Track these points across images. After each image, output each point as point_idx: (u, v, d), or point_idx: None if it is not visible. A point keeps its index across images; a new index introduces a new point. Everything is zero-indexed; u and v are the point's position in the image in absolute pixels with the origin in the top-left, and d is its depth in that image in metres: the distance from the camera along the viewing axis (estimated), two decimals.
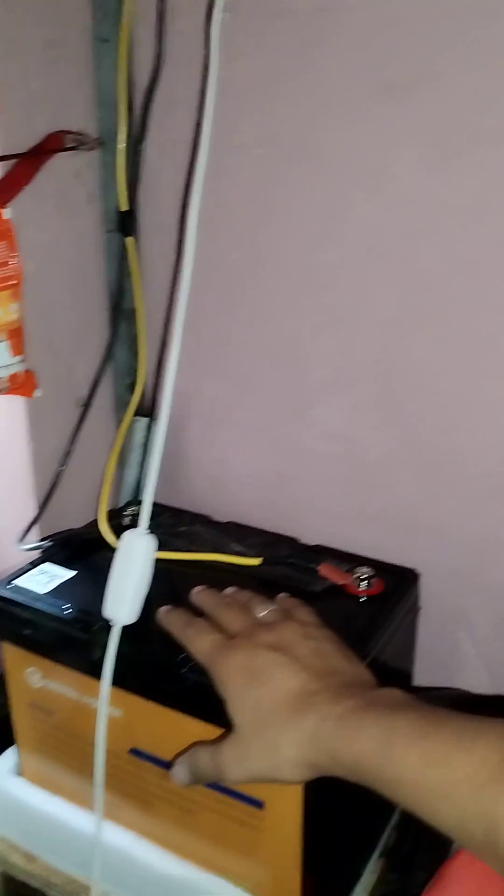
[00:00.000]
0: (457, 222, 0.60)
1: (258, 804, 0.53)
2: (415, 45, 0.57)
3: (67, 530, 0.70)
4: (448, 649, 0.73)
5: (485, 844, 0.34)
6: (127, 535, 0.55)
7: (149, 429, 0.77)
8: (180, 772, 0.51)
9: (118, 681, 0.55)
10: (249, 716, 0.46)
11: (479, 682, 0.73)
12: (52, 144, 0.64)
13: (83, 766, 0.59)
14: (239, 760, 0.47)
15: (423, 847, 0.58)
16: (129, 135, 0.69)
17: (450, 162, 0.59)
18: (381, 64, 0.59)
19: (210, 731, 0.52)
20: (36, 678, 0.61)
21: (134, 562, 0.54)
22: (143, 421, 0.77)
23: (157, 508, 0.74)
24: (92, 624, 0.57)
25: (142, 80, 0.68)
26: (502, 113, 0.56)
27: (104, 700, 0.53)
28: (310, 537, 0.73)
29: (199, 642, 0.52)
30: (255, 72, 0.63)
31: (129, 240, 0.70)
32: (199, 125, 0.64)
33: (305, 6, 0.60)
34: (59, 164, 0.66)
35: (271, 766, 0.45)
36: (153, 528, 0.68)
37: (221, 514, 0.76)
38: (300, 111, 0.63)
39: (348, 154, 0.62)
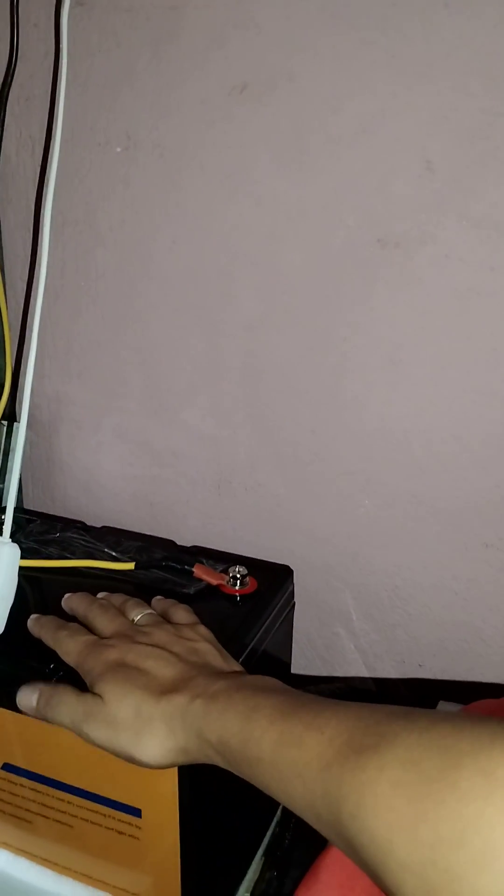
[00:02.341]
0: (313, 223, 0.61)
1: (136, 812, 0.53)
2: (268, 47, 0.57)
3: None
4: (326, 644, 0.74)
5: (329, 823, 0.35)
6: None
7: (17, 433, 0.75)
8: (28, 695, 0.48)
9: None
10: (121, 697, 0.45)
11: (357, 674, 0.74)
12: None
13: None
14: (106, 725, 0.45)
15: (301, 843, 0.59)
16: None
17: (304, 163, 0.59)
18: (236, 64, 0.59)
19: (83, 742, 0.50)
20: None
21: None
22: (10, 425, 0.75)
23: (29, 516, 0.72)
24: None
25: None
26: (353, 115, 0.57)
27: None
28: (187, 538, 0.73)
29: (70, 644, 0.50)
30: (111, 69, 0.62)
31: None
32: (53, 120, 0.63)
33: (157, 3, 0.59)
34: None
35: (134, 743, 0.43)
36: (24, 536, 0.66)
37: (96, 519, 0.75)
38: (157, 110, 0.62)
39: (206, 154, 0.62)
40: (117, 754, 0.45)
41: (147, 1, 0.59)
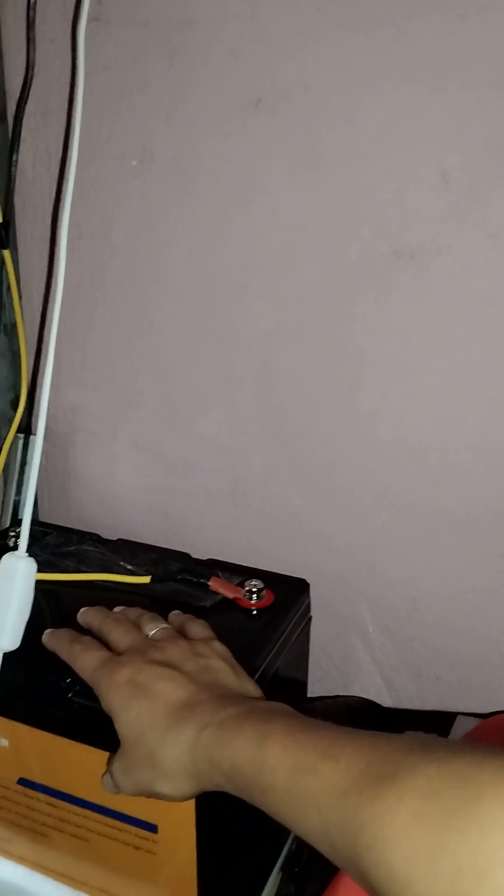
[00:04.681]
0: (328, 234, 0.61)
1: (152, 828, 0.52)
2: (283, 59, 0.58)
3: None
4: (343, 656, 0.74)
5: (345, 854, 0.34)
6: (6, 557, 0.53)
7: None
8: (105, 780, 0.50)
9: (2, 709, 0.54)
10: (132, 729, 0.45)
11: (374, 687, 0.74)
12: None
13: None
14: (125, 772, 0.46)
15: (319, 858, 0.58)
16: (2, 143, 0.67)
17: (319, 175, 0.60)
18: (251, 77, 0.59)
19: (100, 756, 0.50)
20: None
21: (14, 586, 0.52)
22: (26, 438, 0.75)
23: (45, 528, 0.72)
24: None
25: (14, 87, 0.66)
26: (368, 126, 0.57)
27: None
28: (202, 550, 0.72)
29: (85, 660, 0.50)
30: (127, 82, 0.63)
31: (6, 252, 0.68)
32: (70, 134, 0.63)
33: (173, 17, 0.59)
34: None
35: (152, 778, 0.44)
36: (40, 549, 0.66)
37: (112, 531, 0.74)
38: (173, 123, 0.62)
39: (221, 166, 0.62)
40: (149, 795, 0.46)
41: (162, 15, 0.60)
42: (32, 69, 0.64)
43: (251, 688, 0.49)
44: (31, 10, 0.61)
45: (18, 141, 0.67)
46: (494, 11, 0.52)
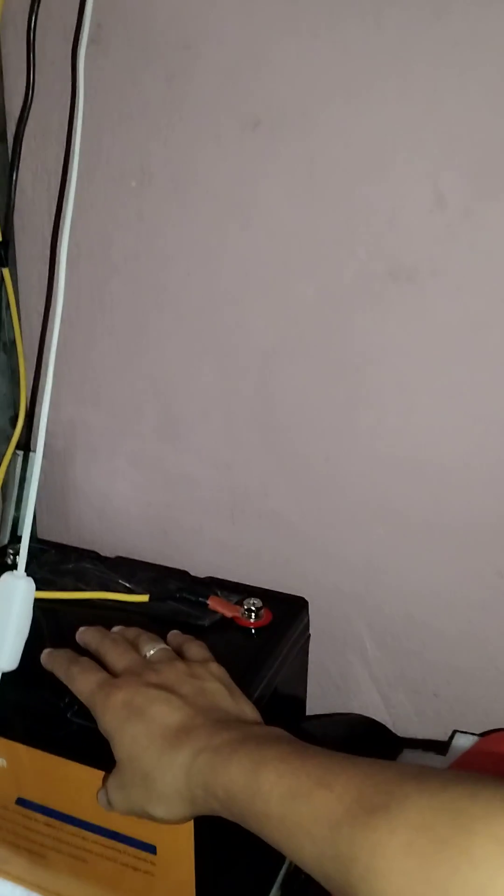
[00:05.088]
0: (325, 255, 0.61)
1: (150, 848, 0.52)
2: (281, 83, 0.58)
3: None
4: (341, 672, 0.74)
5: (339, 884, 0.34)
6: (4, 577, 0.53)
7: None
8: (100, 796, 0.50)
9: (1, 729, 0.54)
10: (127, 751, 0.46)
11: (372, 703, 0.74)
12: None
13: None
14: (119, 789, 0.47)
15: None
16: (3, 164, 0.67)
17: (316, 197, 0.60)
18: (249, 100, 0.59)
19: (98, 776, 0.50)
20: None
21: (12, 606, 0.52)
22: (25, 454, 0.75)
23: (44, 545, 0.72)
24: None
25: (14, 108, 0.67)
26: (365, 149, 0.57)
27: None
28: (200, 567, 0.73)
29: (82, 682, 0.50)
30: (126, 104, 0.63)
31: (5, 271, 0.69)
32: (69, 155, 0.63)
33: (171, 41, 0.60)
34: None
35: (146, 799, 0.44)
36: (38, 566, 0.67)
37: (111, 547, 0.75)
38: (171, 144, 0.63)
39: (219, 187, 0.63)
40: (141, 816, 0.46)
41: (161, 40, 0.60)
42: (33, 91, 0.64)
43: (248, 710, 0.49)
44: (31, 33, 0.62)
45: (18, 161, 0.67)
46: (490, 35, 0.52)
